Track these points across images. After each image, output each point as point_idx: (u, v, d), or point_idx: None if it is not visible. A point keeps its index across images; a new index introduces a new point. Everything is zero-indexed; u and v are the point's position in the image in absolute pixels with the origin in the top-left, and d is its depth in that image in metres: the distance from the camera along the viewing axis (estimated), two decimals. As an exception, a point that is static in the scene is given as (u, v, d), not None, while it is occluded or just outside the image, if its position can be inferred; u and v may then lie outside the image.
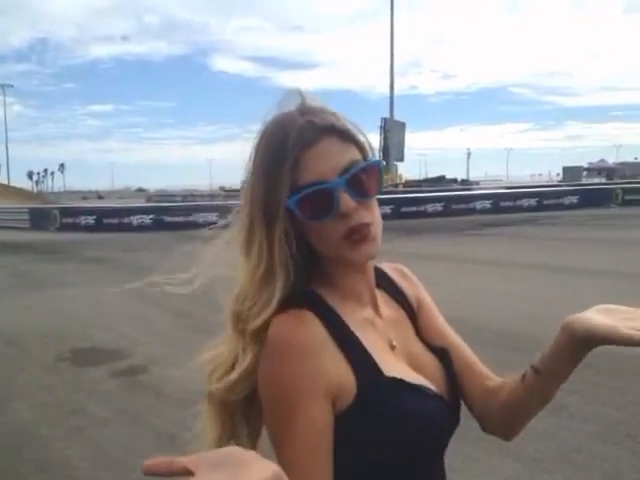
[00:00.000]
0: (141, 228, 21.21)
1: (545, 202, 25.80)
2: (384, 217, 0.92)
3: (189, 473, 0.53)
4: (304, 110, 0.90)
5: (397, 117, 44.94)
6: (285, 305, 0.86)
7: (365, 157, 0.90)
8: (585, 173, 69.35)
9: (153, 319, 7.59)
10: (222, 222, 0.95)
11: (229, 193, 52.19)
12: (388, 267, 1.08)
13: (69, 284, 10.65)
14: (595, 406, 4.12)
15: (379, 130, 44.17)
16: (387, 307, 1.00)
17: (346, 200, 0.85)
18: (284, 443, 0.80)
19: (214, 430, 0.93)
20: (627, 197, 27.31)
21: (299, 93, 0.92)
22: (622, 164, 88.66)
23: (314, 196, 0.84)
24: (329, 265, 0.92)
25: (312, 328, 0.84)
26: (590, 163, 77.00)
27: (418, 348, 0.99)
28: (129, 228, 21.19)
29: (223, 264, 0.93)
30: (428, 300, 1.09)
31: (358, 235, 0.86)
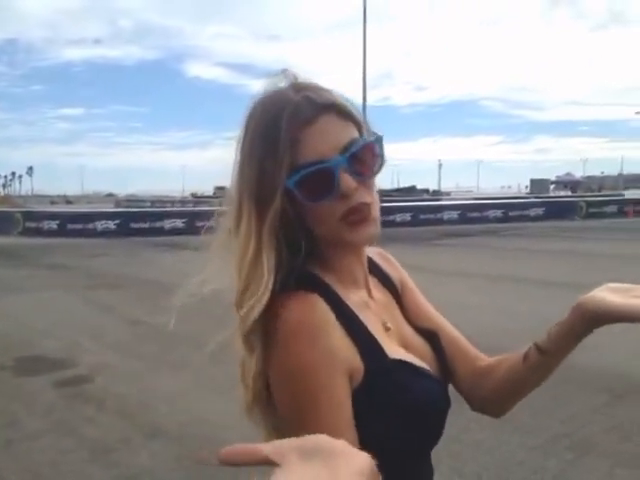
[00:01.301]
0: (106, 234, 20.75)
1: (511, 213, 26.10)
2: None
3: (272, 463, 0.46)
4: (298, 87, 0.86)
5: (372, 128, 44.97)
6: (287, 288, 0.82)
7: (362, 135, 0.86)
8: (553, 186, 70.85)
9: (105, 327, 7.37)
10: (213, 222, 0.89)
11: (200, 199, 51.87)
12: (372, 252, 1.05)
13: (22, 290, 10.28)
14: (540, 419, 4.10)
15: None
16: (377, 290, 0.98)
17: (347, 180, 0.82)
18: (308, 421, 0.76)
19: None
20: (591, 210, 27.88)
21: (289, 72, 0.88)
22: (589, 178, 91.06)
23: (314, 176, 0.81)
24: (326, 247, 0.89)
25: (321, 309, 0.81)
26: (558, 176, 78.74)
27: (408, 330, 0.97)
28: (93, 234, 20.71)
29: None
30: (411, 283, 1.08)
31: (358, 215, 0.83)
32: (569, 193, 57.37)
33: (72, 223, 21.48)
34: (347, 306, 0.86)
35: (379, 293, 0.99)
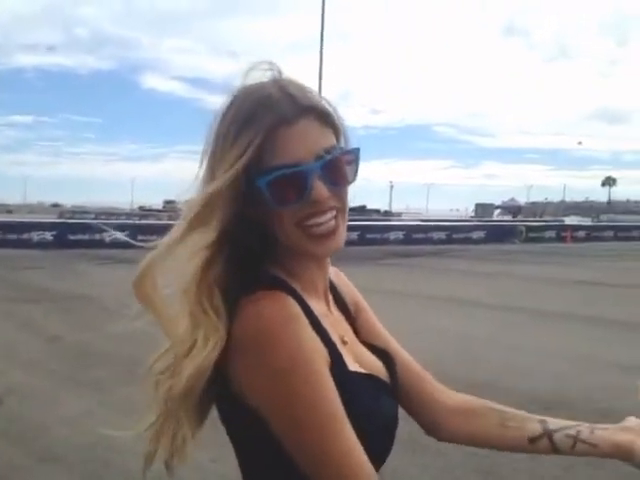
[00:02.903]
0: (42, 245, 19.94)
1: (454, 236, 26.69)
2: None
3: None
4: (282, 83, 0.82)
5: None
6: (254, 287, 0.80)
7: (339, 142, 0.85)
8: (499, 211, 73.02)
9: (20, 344, 6.98)
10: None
11: (148, 213, 50.89)
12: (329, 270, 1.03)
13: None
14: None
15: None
16: (332, 306, 0.97)
17: (319, 187, 0.79)
18: (304, 410, 0.74)
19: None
20: (530, 234, 28.86)
21: (272, 65, 0.85)
22: (533, 204, 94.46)
23: (286, 179, 0.78)
24: (289, 255, 0.86)
25: (294, 305, 0.79)
26: (503, 201, 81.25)
27: (361, 348, 0.95)
28: (29, 245, 19.87)
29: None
30: (364, 303, 1.07)
31: (324, 228, 0.81)
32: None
33: (6, 233, 20.56)
34: (312, 311, 0.83)
35: (335, 309, 0.97)
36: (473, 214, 70.87)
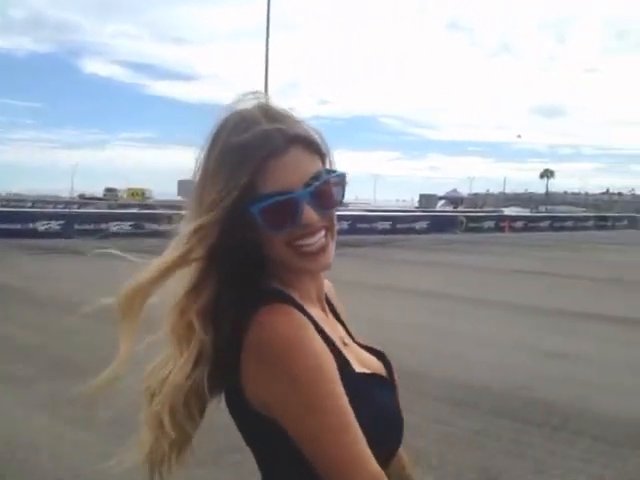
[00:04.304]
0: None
1: (398, 226, 27.11)
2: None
3: None
4: (269, 115, 0.87)
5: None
6: (259, 301, 0.85)
7: (325, 165, 0.90)
8: (443, 201, 74.59)
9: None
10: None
11: (88, 201, 49.25)
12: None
13: None
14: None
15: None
16: (327, 311, 1.01)
17: (309, 213, 0.85)
18: (322, 417, 0.79)
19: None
20: (470, 224, 29.72)
21: (260, 94, 0.90)
22: (475, 195, 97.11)
23: (278, 206, 0.83)
24: (282, 269, 0.91)
25: (302, 317, 0.84)
26: (447, 192, 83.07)
27: (358, 348, 0.99)
28: (-45, 234, 18.86)
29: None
30: (345, 315, 1.11)
31: (314, 247, 0.86)
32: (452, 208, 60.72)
33: None
34: (313, 318, 0.88)
35: (330, 314, 1.01)
36: (418, 204, 72.10)
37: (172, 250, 0.86)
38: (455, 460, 3.71)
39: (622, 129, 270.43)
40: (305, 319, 0.84)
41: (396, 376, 1.03)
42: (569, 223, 36.34)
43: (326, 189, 0.88)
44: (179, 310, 0.85)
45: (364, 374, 0.91)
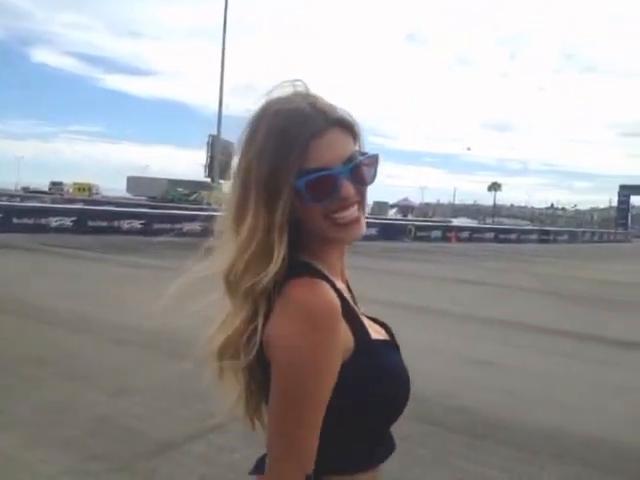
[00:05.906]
0: None
1: (348, 232, 27.19)
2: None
3: None
4: (310, 99, 0.98)
5: (228, 136, 44.55)
6: (292, 273, 0.94)
7: (357, 146, 1.01)
8: (395, 209, 75.71)
9: None
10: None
11: (32, 195, 47.45)
12: None
13: None
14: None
15: (206, 147, 43.52)
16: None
17: (348, 187, 0.96)
18: (303, 392, 0.89)
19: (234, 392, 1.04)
20: (419, 233, 30.29)
21: (300, 82, 1.01)
22: (426, 204, 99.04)
23: (320, 180, 0.94)
24: (315, 241, 1.00)
25: (333, 295, 0.93)
26: (399, 201, 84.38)
27: (367, 320, 1.07)
28: None
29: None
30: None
31: (349, 217, 0.97)
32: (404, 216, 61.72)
33: None
34: (339, 291, 0.98)
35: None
36: (370, 212, 72.98)
37: (244, 240, 0.96)
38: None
39: (568, 147, 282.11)
40: (336, 300, 0.92)
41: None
42: (513, 235, 37.47)
43: (362, 167, 0.99)
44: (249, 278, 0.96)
45: (378, 340, 1.02)
